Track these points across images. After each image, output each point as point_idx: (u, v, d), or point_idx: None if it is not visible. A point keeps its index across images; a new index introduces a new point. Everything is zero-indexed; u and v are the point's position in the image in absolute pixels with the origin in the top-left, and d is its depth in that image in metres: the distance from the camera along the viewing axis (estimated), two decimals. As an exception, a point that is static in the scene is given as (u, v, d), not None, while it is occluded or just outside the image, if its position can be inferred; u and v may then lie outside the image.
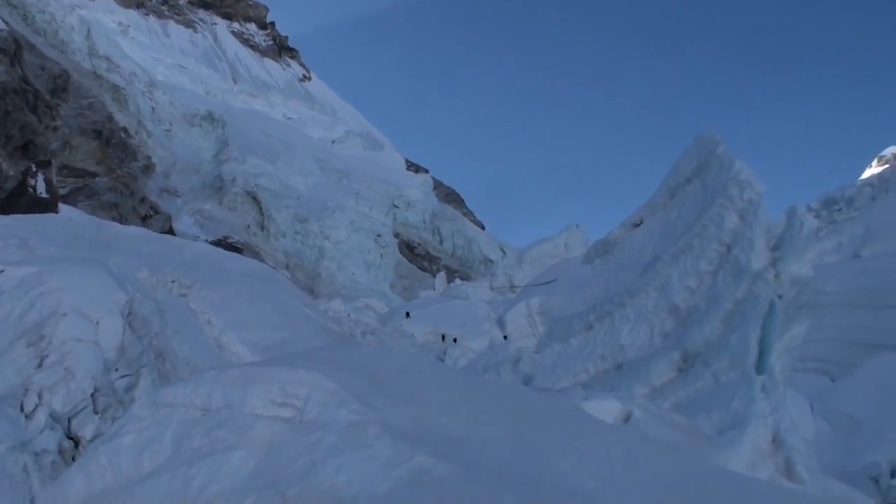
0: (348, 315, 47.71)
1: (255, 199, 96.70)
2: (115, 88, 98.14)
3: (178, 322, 21.39)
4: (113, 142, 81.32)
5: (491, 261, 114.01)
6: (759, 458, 13.45)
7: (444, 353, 42.06)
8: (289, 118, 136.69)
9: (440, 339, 48.81)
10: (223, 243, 72.53)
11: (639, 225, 22.79)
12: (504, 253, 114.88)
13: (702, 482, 8.76)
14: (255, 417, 9.12)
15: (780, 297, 16.36)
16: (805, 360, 33.97)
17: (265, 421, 9.06)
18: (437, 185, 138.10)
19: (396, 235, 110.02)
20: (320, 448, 8.33)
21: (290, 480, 8.04)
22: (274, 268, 53.26)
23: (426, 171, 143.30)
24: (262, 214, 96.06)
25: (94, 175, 70.94)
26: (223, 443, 8.89)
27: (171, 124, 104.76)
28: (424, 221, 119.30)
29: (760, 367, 15.60)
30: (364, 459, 7.89)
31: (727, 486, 8.74)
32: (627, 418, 13.00)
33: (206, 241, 63.03)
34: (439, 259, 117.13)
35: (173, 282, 24.19)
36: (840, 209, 64.65)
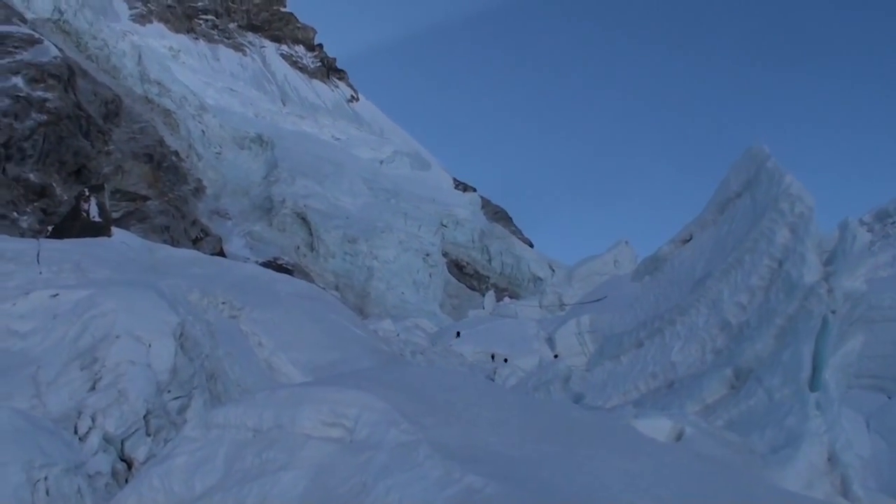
0: (398, 335, 47.83)
1: (304, 220, 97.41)
2: (166, 112, 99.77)
3: (229, 343, 21.60)
4: (164, 165, 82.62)
5: (540, 279, 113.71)
6: (815, 477, 13.23)
7: (494, 372, 41.98)
8: (337, 139, 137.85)
9: (490, 358, 48.71)
10: (273, 264, 73.14)
11: (688, 241, 22.64)
12: (553, 271, 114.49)
13: (755, 501, 8.64)
14: (305, 438, 9.19)
15: (833, 312, 16.11)
16: (860, 377, 33.32)
17: (316, 441, 9.12)
18: (485, 204, 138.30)
19: (445, 255, 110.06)
20: (371, 468, 8.36)
21: (342, 500, 8.09)
22: (323, 288, 53.59)
23: (474, 190, 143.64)
24: (311, 235, 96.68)
25: (145, 199, 72.09)
26: (274, 463, 8.97)
27: (221, 147, 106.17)
28: (473, 240, 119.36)
29: (814, 383, 15.36)
30: (414, 479, 7.91)
31: (781, 505, 8.62)
32: (679, 436, 12.90)
33: (257, 262, 63.66)
34: (488, 278, 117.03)
35: (224, 303, 24.47)
36: (894, 222, 63.61)
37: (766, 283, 18.33)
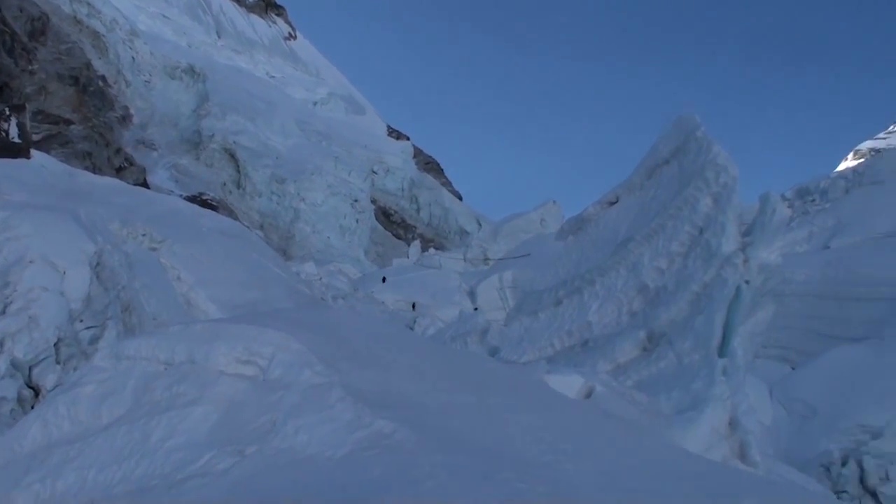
0: (320, 279, 47.60)
1: (232, 157, 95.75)
2: (95, 35, 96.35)
3: (147, 276, 21.26)
4: (90, 90, 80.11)
5: (467, 232, 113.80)
6: (716, 440, 13.63)
7: (414, 321, 42.18)
8: (272, 76, 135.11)
9: (411, 307, 48.92)
10: (198, 199, 71.92)
11: (614, 203, 22.90)
12: (480, 225, 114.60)
13: (657, 460, 8.86)
14: (218, 374, 9.12)
15: (747, 282, 16.52)
16: (768, 347, 34.36)
17: (228, 378, 9.05)
18: (417, 153, 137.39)
19: (373, 202, 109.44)
20: (281, 408, 8.34)
21: (250, 438, 8.06)
22: (248, 227, 52.97)
23: (407, 138, 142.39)
24: (238, 172, 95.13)
25: (68, 122, 69.93)
26: (184, 397, 8.89)
27: (150, 75, 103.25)
28: (402, 189, 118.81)
29: (723, 350, 15.78)
30: (324, 421, 7.91)
31: (681, 465, 8.85)
32: (589, 394, 13.13)
33: (181, 196, 62.57)
34: (415, 228, 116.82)
35: (144, 235, 24.03)
36: (814, 200, 65.15)
37: (685, 249, 18.67)
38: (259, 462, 7.60)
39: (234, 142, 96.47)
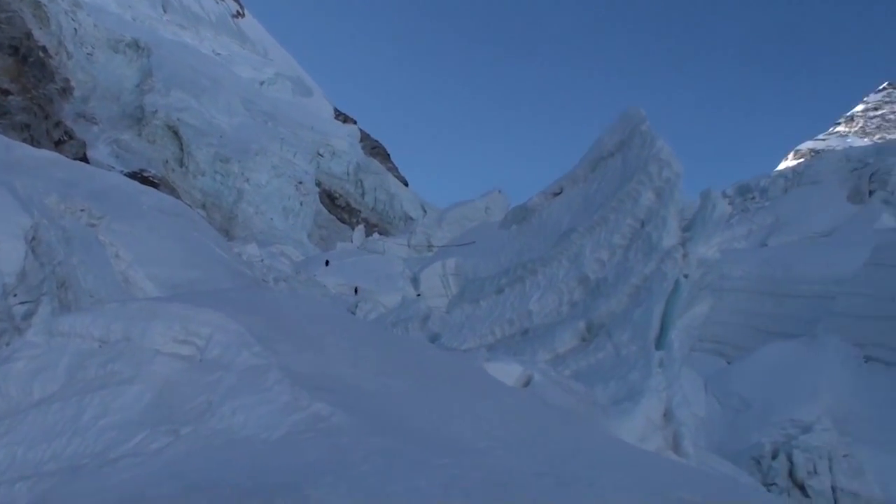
0: (262, 260, 47.31)
1: (175, 134, 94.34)
2: (37, 4, 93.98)
3: (84, 252, 20.89)
4: (30, 60, 78.31)
5: (411, 218, 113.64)
6: (650, 431, 13.83)
7: (356, 306, 42.09)
8: (218, 54, 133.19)
9: (353, 291, 48.82)
10: (139, 176, 70.85)
11: (558, 194, 23.02)
12: (425, 211, 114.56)
13: (592, 449, 8.96)
14: (154, 353, 9.01)
15: (686, 276, 16.75)
16: (704, 341, 34.97)
17: (164, 357, 8.96)
18: (364, 137, 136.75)
19: (318, 184, 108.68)
20: (218, 388, 8.27)
21: (185, 418, 7.98)
22: (189, 206, 52.24)
23: (354, 122, 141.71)
24: (181, 150, 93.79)
25: (6, 93, 68.36)
26: (119, 376, 8.77)
27: (93, 48, 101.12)
28: (348, 173, 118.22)
29: (660, 342, 16.00)
30: (261, 403, 7.87)
31: (615, 455, 8.96)
32: (527, 382, 13.22)
33: (122, 172, 61.60)
34: (359, 212, 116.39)
35: (83, 211, 23.59)
36: (754, 198, 66.32)
37: (626, 242, 18.86)
38: (194, 442, 7.54)
39: (178, 119, 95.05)
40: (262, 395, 7.96)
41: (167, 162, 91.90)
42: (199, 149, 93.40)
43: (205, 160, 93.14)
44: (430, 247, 65.27)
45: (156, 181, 76.93)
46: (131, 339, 9.22)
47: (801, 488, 19.94)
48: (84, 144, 76.97)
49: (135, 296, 20.99)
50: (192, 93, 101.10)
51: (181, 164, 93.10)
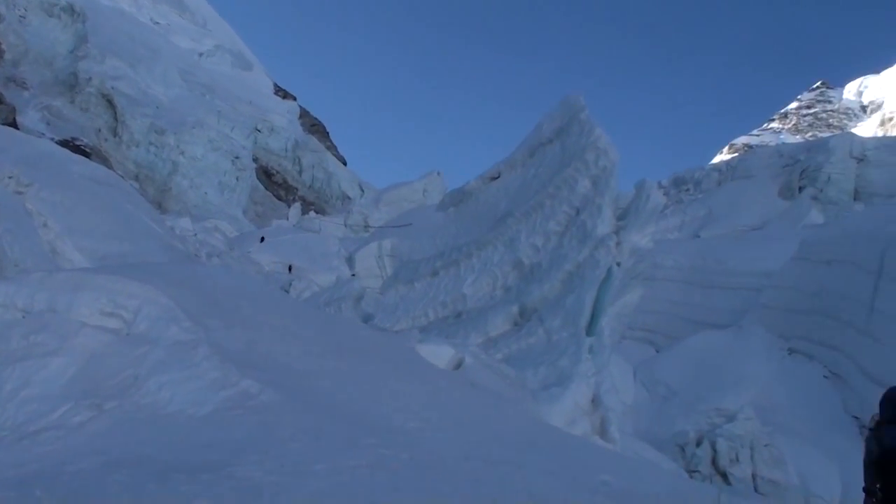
0: (195, 235, 46.60)
1: (110, 103, 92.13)
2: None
3: (10, 220, 20.35)
4: (-41, 20, 75.91)
5: (349, 198, 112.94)
6: (578, 416, 14.00)
7: (290, 284, 41.78)
8: (156, 23, 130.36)
9: (287, 269, 48.44)
10: (70, 144, 69.18)
11: (496, 178, 23.09)
12: (363, 191, 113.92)
13: (520, 432, 9.04)
14: (79, 325, 8.83)
15: (618, 264, 16.95)
16: (634, 329, 35.51)
17: (90, 330, 8.78)
18: (304, 115, 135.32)
19: (255, 160, 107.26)
20: (145, 363, 8.15)
21: (110, 393, 7.84)
22: (122, 177, 51.25)
23: (294, 99, 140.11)
24: (115, 120, 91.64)
25: (-66, 54, 66.22)
26: (43, 347, 8.57)
27: (26, 11, 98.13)
28: (286, 150, 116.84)
29: (591, 329, 16.18)
30: (189, 378, 7.77)
31: (543, 438, 9.05)
32: (459, 365, 13.27)
33: (52, 139, 60.16)
34: (296, 190, 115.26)
35: (10, 178, 22.95)
36: (688, 190, 67.49)
37: (561, 228, 19.01)
38: (118, 417, 7.41)
39: (113, 87, 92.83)
40: (190, 371, 7.86)
41: (100, 131, 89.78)
42: (134, 119, 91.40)
43: (139, 131, 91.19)
44: (366, 227, 65.04)
45: (88, 150, 75.27)
46: (56, 310, 9.02)
47: (724, 476, 20.38)
48: (14, 110, 74.91)
49: (62, 267, 20.53)
50: (128, 61, 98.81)
51: (115, 134, 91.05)
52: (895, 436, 5.84)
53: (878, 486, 5.79)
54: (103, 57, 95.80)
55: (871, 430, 6.09)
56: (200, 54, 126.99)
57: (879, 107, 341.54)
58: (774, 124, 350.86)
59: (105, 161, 73.86)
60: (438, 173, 72.58)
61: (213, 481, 5.26)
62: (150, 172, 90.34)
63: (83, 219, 23.54)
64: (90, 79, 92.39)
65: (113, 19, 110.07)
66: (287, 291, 37.95)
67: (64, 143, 60.46)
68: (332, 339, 10.90)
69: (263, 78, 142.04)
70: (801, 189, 56.18)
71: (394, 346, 12.45)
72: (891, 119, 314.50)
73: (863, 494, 6.03)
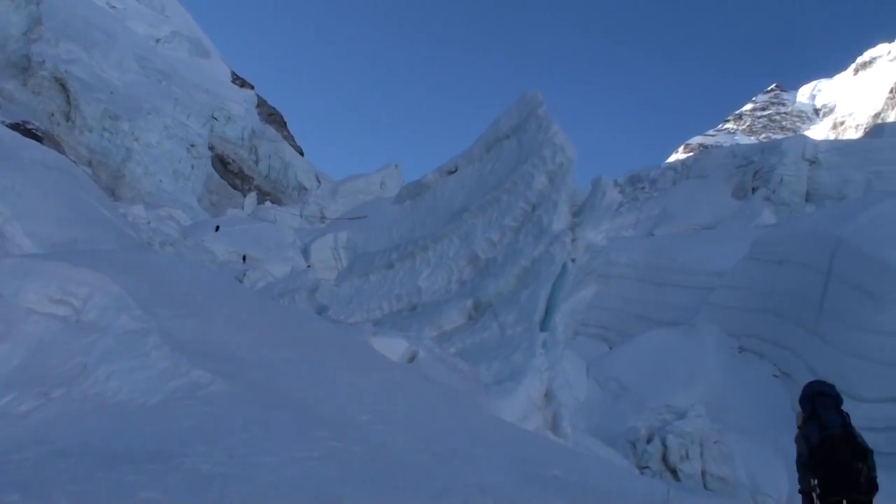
0: (148, 223, 45.99)
1: (63, 87, 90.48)
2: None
3: (-42, 204, 19.99)
4: None
5: (305, 189, 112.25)
6: (531, 410, 14.06)
7: (244, 274, 41.47)
8: (112, 7, 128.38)
9: (242, 259, 48.10)
10: (21, 128, 67.84)
11: (453, 172, 23.09)
12: (319, 182, 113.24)
13: (472, 426, 9.06)
14: (27, 311, 8.69)
15: (573, 260, 17.05)
16: (588, 325, 35.75)
17: (38, 317, 8.65)
18: (261, 104, 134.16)
19: (211, 148, 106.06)
20: (94, 351, 8.05)
21: (57, 381, 7.73)
22: (75, 162, 50.45)
23: (252, 87, 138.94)
24: (69, 104, 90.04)
25: None
26: (-12, 334, 8.42)
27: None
28: (242, 139, 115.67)
29: (545, 324, 16.26)
30: (138, 368, 7.69)
31: (495, 432, 9.08)
32: (413, 358, 13.27)
33: (3, 123, 58.99)
34: (252, 179, 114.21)
35: (-41, 160, 22.54)
36: (643, 188, 68.14)
37: (518, 224, 19.07)
38: (65, 406, 7.31)
39: (67, 71, 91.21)
40: (139, 360, 7.78)
41: (53, 115, 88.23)
42: (88, 104, 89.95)
43: (93, 116, 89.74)
44: (322, 218, 64.80)
45: (39, 134, 73.88)
46: (3, 296, 8.86)
47: (673, 472, 20.59)
48: (-37, 91, 73.39)
49: (10, 252, 20.19)
50: (83, 45, 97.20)
51: (68, 119, 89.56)
52: (819, 428, 5.98)
53: (814, 482, 5.89)
54: (57, 40, 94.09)
55: (799, 428, 6.23)
56: (157, 40, 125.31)
57: (832, 110, 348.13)
58: (729, 125, 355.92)
59: (57, 146, 72.58)
60: (396, 166, 72.52)
61: (161, 472, 5.21)
62: (104, 158, 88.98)
63: (33, 204, 23.15)
64: (43, 62, 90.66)
65: (68, 2, 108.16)
66: (241, 281, 37.65)
67: (15, 127, 59.28)
68: (285, 330, 10.84)
69: (221, 66, 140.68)
70: (754, 190, 56.91)
71: (347, 338, 12.41)
72: (843, 123, 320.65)
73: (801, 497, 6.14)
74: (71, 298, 8.79)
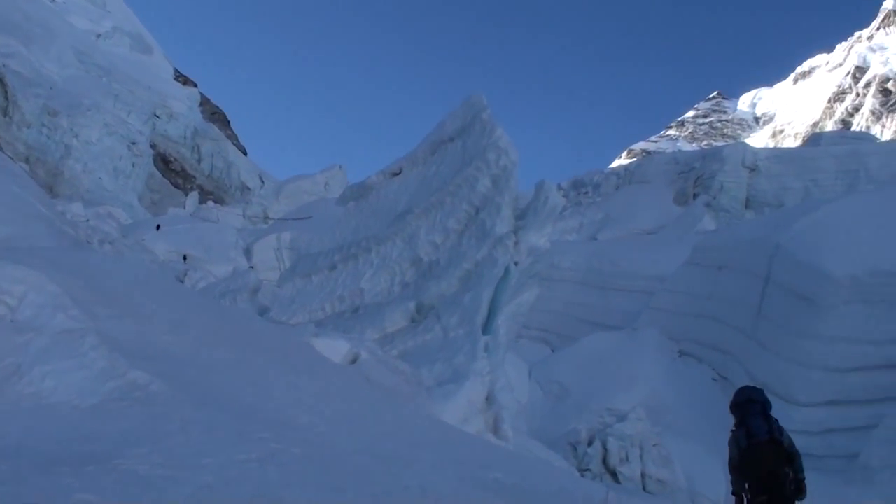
0: (87, 220, 45.22)
1: (1, 82, 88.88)
2: None
3: None
4: None
5: (248, 188, 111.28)
6: (472, 413, 14.13)
7: (185, 274, 41.00)
8: (53, 1, 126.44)
9: (182, 259, 47.55)
10: (-44, 123, 66.40)
11: (397, 174, 23.11)
12: (263, 182, 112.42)
13: (413, 428, 9.09)
14: (-41, 311, 8.51)
15: (516, 263, 17.17)
16: (531, 328, 36.00)
17: (-30, 316, 8.47)
18: (205, 102, 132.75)
19: (153, 146, 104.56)
20: (29, 351, 7.90)
21: (-10, 382, 7.58)
22: (11, 158, 49.44)
23: (195, 85, 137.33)
24: (6, 99, 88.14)
25: None
26: (-82, 333, 8.22)
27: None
28: (185, 137, 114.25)
29: (487, 327, 16.35)
30: (75, 368, 7.57)
31: (436, 435, 9.12)
32: (354, 360, 13.25)
33: (-63, 117, 57.65)
34: (195, 178, 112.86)
35: None
36: (587, 192, 68.73)
37: (461, 226, 19.16)
38: (-2, 407, 7.17)
39: (4, 65, 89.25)
40: (76, 361, 7.66)
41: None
42: (26, 99, 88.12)
43: (31, 111, 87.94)
44: (265, 218, 64.35)
45: (-25, 129, 72.27)
46: (-66, 294, 8.67)
47: (613, 474, 20.82)
48: None
49: (-57, 250, 19.71)
50: (21, 39, 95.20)
51: (5, 114, 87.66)
52: (746, 435, 6.19)
53: (745, 485, 6.10)
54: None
55: (731, 432, 6.44)
56: (98, 35, 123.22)
57: (771, 119, 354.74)
58: (672, 131, 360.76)
59: (-7, 141, 71.13)
60: (340, 167, 72.33)
61: (98, 474, 5.14)
62: (42, 155, 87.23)
63: (-34, 200, 22.63)
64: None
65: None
66: (182, 281, 37.20)
67: (-51, 121, 57.90)
68: (225, 331, 10.76)
69: (164, 63, 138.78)
70: (695, 196, 57.69)
71: (289, 339, 12.35)
72: (782, 131, 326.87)
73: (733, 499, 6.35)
74: (5, 297, 8.61)
